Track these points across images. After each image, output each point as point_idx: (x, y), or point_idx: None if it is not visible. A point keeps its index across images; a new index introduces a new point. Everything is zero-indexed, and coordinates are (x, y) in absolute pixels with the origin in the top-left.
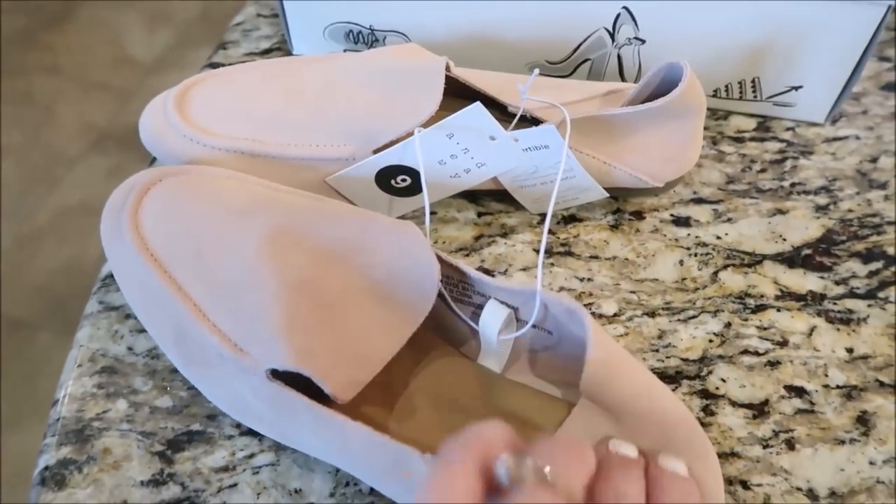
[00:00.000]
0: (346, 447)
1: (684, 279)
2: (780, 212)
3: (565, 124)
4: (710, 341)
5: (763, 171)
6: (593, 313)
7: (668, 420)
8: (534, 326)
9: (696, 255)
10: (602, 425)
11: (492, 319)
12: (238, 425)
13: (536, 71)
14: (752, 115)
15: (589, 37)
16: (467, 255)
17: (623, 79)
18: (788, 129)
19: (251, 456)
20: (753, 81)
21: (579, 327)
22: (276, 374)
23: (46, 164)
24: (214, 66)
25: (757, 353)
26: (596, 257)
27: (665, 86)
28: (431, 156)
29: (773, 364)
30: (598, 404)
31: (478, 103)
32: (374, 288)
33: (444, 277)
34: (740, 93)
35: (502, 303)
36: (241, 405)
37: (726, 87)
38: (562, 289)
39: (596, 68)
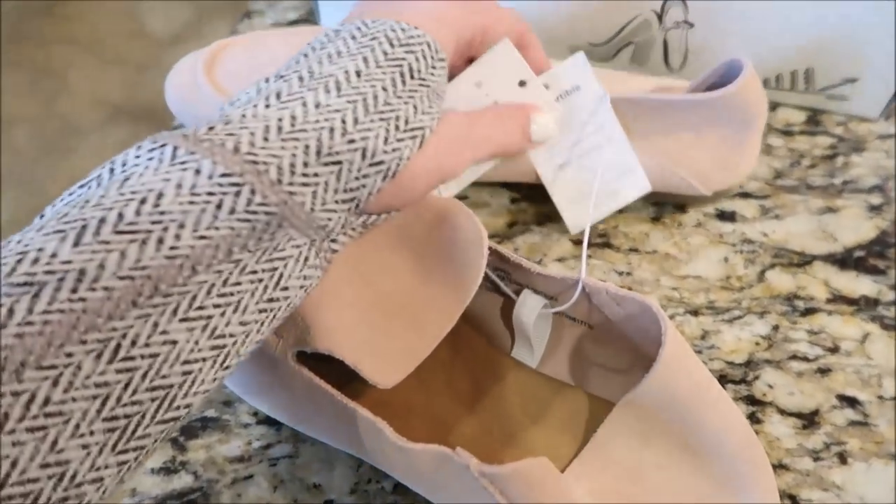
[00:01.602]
0: (370, 444)
1: (729, 277)
2: (831, 210)
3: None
4: (757, 344)
5: (813, 166)
6: None
7: (727, 438)
8: (573, 320)
9: (741, 252)
10: (643, 430)
11: (527, 310)
12: (255, 413)
13: (581, 53)
14: (801, 108)
15: (634, 18)
16: (500, 244)
17: (668, 65)
18: (840, 123)
19: (268, 446)
20: (806, 72)
21: (634, 323)
22: (304, 358)
23: (60, 134)
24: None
25: (806, 359)
26: (636, 250)
27: (722, 86)
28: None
29: (824, 371)
30: (646, 407)
31: (506, 39)
32: (418, 264)
33: None
34: (791, 83)
35: (538, 293)
36: (260, 391)
37: (777, 77)
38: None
39: (639, 53)
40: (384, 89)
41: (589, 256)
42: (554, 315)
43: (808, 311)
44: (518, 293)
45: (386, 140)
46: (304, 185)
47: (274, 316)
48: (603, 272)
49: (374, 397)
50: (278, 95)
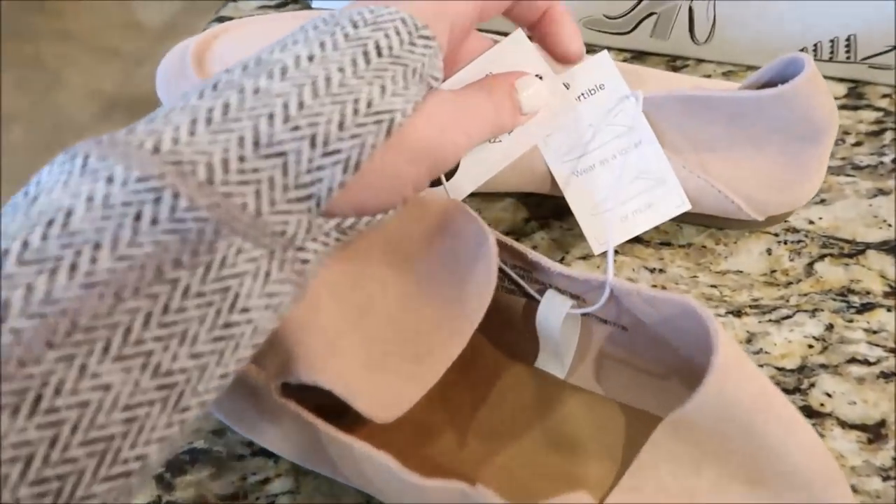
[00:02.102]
0: (378, 481)
1: (774, 271)
2: (882, 192)
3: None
4: (810, 347)
5: (858, 144)
6: None
7: (799, 461)
8: (604, 321)
9: (785, 242)
10: (695, 453)
11: (553, 311)
12: (250, 443)
13: (605, 53)
14: (841, 80)
15: None
16: (517, 241)
17: (693, 38)
18: (885, 95)
19: (266, 481)
20: (848, 40)
21: (673, 326)
22: (291, 389)
23: (56, 129)
24: (222, 20)
25: (867, 363)
26: (668, 244)
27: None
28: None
29: (888, 376)
30: (698, 426)
31: (519, 30)
32: (418, 278)
33: None
34: (831, 53)
35: (563, 293)
36: (248, 422)
37: (815, 45)
38: (629, 281)
39: (661, 24)
40: (341, 70)
41: (616, 253)
42: (582, 317)
43: (865, 307)
44: (541, 294)
45: (341, 125)
46: (243, 183)
47: (237, 344)
48: (632, 270)
49: (378, 425)
50: (215, 86)
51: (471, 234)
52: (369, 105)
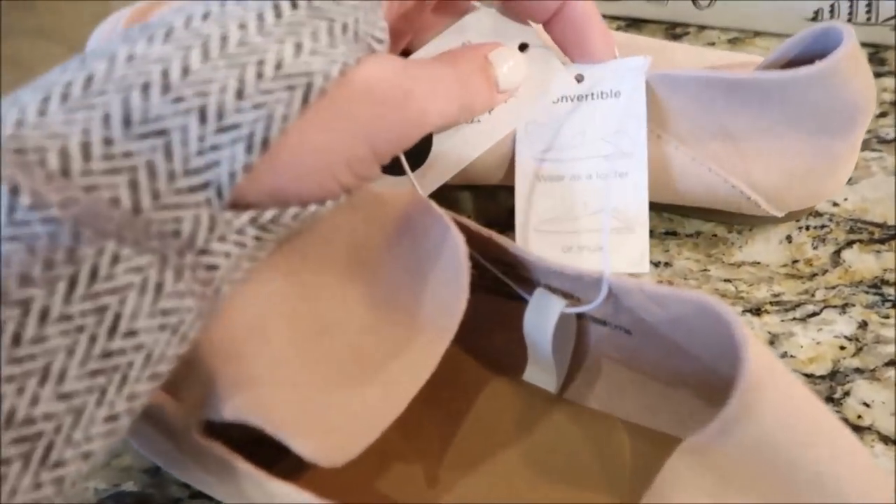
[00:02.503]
0: None
1: (796, 262)
2: None
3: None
4: (842, 348)
5: (883, 115)
6: None
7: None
8: (603, 324)
9: (807, 228)
10: (719, 484)
11: (543, 313)
12: (187, 485)
13: (647, 60)
14: (861, 45)
15: None
16: (501, 234)
17: (696, 4)
18: None
19: None
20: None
21: (685, 328)
22: (215, 428)
23: None
24: None
25: None
26: (674, 233)
27: (808, 61)
28: None
29: None
30: (723, 451)
31: None
32: (377, 289)
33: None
34: (850, 14)
35: (554, 291)
36: (172, 464)
37: (832, 7)
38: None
39: None
40: (242, 27)
41: None
42: (578, 320)
43: None
44: (529, 294)
45: (240, 93)
46: (111, 171)
47: (124, 377)
48: None
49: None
50: (84, 59)
51: (436, 235)
52: (278, 67)
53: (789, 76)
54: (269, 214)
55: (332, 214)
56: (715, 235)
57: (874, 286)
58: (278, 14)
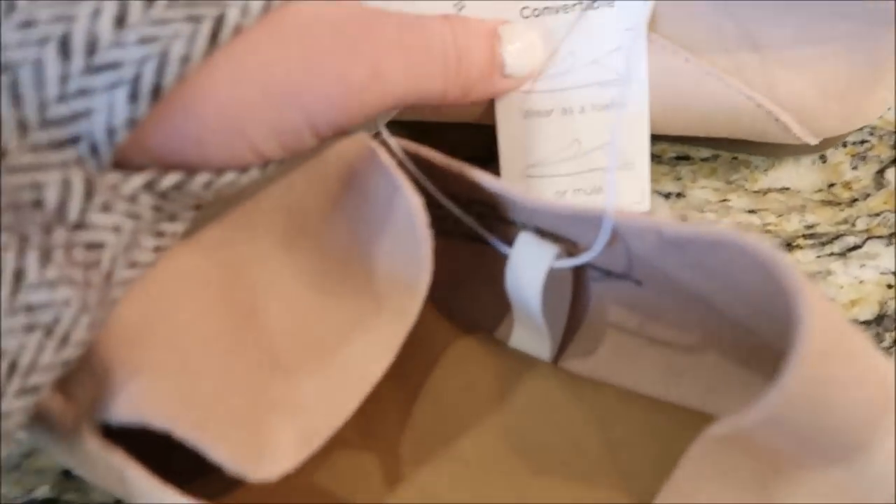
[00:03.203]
0: None
1: (832, 185)
2: None
3: None
4: (889, 287)
5: None
6: None
7: None
8: (607, 274)
9: (844, 145)
10: (757, 478)
11: (528, 265)
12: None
13: None
14: None
15: None
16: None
17: None
18: None
19: None
20: None
21: (712, 275)
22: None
23: None
24: None
25: None
26: (686, 157)
27: None
28: None
29: None
30: (765, 439)
31: None
32: (320, 262)
33: (436, 207)
34: None
35: (543, 234)
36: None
37: None
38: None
39: None
40: None
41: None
42: (574, 271)
43: None
44: (510, 241)
45: (120, 20)
46: None
47: None
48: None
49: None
50: None
51: (387, 193)
52: None
53: None
54: (170, 180)
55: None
56: (735, 158)
57: None
58: None
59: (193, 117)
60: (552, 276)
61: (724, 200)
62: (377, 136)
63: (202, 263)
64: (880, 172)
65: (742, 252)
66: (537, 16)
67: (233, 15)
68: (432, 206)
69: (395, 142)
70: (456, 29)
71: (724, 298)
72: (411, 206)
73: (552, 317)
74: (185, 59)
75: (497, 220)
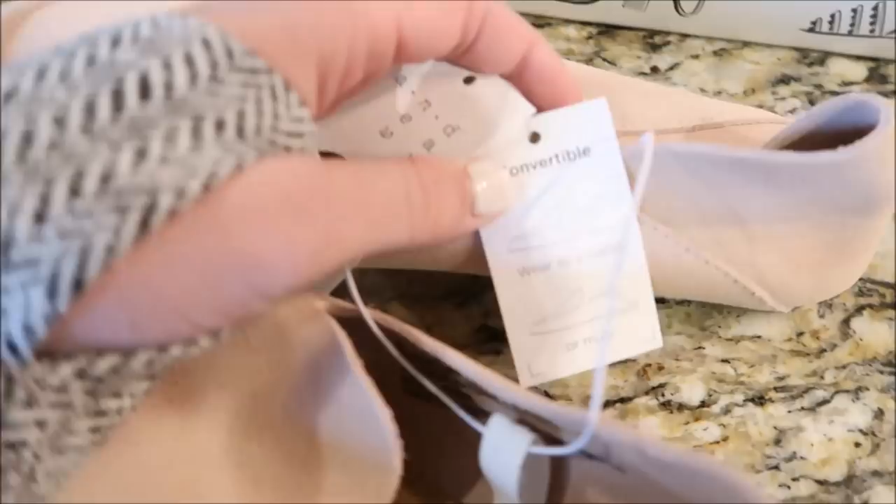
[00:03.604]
0: None
1: (801, 334)
2: None
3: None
4: (857, 445)
5: None
6: (667, 403)
7: None
8: (591, 457)
9: None
10: None
11: (503, 451)
12: None
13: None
14: (860, 58)
15: None
16: (461, 306)
17: (678, 7)
18: None
19: None
20: (875, 9)
21: (696, 489)
22: None
23: None
24: None
25: None
26: (662, 300)
27: (832, 134)
28: (368, 125)
29: None
30: None
31: None
32: (279, 474)
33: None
34: (851, 25)
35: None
36: None
37: (832, 17)
38: (616, 362)
39: None
40: (58, 122)
41: None
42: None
43: None
44: (486, 411)
45: (40, 216)
46: None
47: None
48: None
49: None
50: None
51: (355, 398)
52: (105, 180)
53: (809, 160)
54: (105, 363)
55: (226, 354)
56: (706, 302)
57: (888, 363)
58: (118, 107)
59: (125, 304)
60: (529, 460)
61: (699, 349)
62: (345, 298)
63: (160, 453)
64: (846, 322)
65: (717, 480)
66: (514, 174)
67: (165, 202)
68: (402, 366)
69: (370, 316)
70: (422, 171)
71: (707, 498)
72: (381, 420)
73: (530, 495)
74: (111, 251)
75: (475, 390)
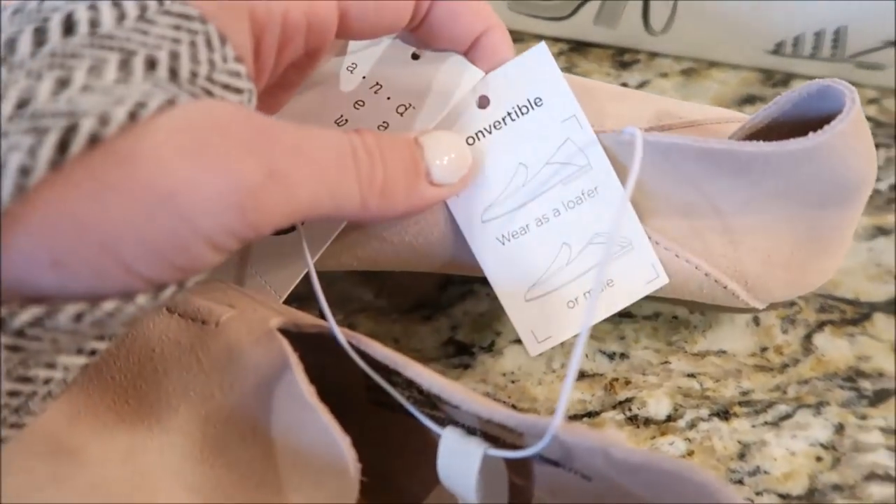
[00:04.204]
0: None
1: (765, 350)
2: (882, 231)
3: (633, 147)
4: (819, 459)
5: None
6: (634, 417)
7: None
8: (553, 464)
9: (775, 305)
10: None
11: (459, 462)
12: None
13: (542, 45)
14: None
15: None
16: (429, 319)
17: (647, 27)
18: (871, 100)
19: None
20: (836, 33)
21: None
22: None
23: None
24: None
25: (890, 478)
26: (629, 315)
27: (799, 124)
28: (322, 115)
29: None
30: None
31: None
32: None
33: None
34: (814, 48)
35: (474, 429)
36: None
37: (795, 39)
38: (584, 376)
39: (609, 10)
40: None
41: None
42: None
43: (879, 396)
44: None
45: None
46: None
47: None
48: (585, 356)
49: None
50: None
51: (310, 425)
52: (21, 105)
53: (776, 149)
54: (27, 315)
55: (178, 374)
56: (675, 318)
57: (849, 378)
58: (39, 41)
59: (46, 237)
60: (487, 467)
61: (665, 363)
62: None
63: (109, 474)
64: (808, 337)
65: (691, 484)
66: (472, 143)
67: (87, 126)
68: (365, 376)
69: (337, 328)
70: (364, 135)
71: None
72: (340, 449)
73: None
74: (25, 173)
75: (439, 400)
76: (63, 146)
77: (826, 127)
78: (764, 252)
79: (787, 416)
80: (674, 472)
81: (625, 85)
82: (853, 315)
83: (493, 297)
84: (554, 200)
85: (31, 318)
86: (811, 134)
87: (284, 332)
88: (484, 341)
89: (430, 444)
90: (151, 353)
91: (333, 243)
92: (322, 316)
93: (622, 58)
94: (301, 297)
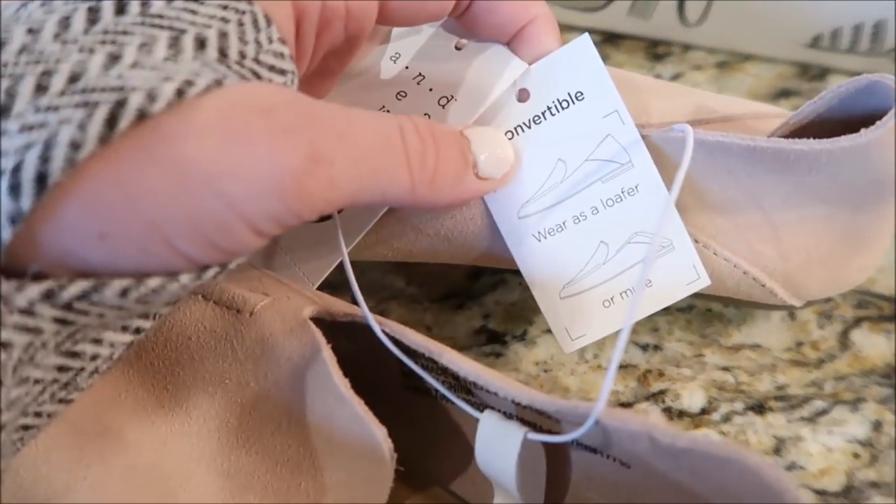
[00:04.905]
0: None
1: (801, 344)
2: None
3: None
4: (856, 456)
5: None
6: (668, 409)
7: None
8: (592, 451)
9: (811, 302)
10: None
11: (496, 445)
12: None
13: (586, 36)
14: (858, 75)
15: None
16: (460, 308)
17: (682, 19)
18: None
19: None
20: (875, 26)
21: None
22: None
23: None
24: None
25: None
26: (664, 309)
27: (842, 120)
28: (365, 106)
29: None
30: None
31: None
32: (270, 485)
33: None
34: (851, 42)
35: (510, 415)
36: None
37: (833, 33)
38: (622, 367)
39: (642, 2)
40: (32, 31)
41: None
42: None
43: None
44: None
45: (5, 110)
46: None
47: None
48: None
49: None
50: None
51: (341, 414)
52: (73, 80)
53: (828, 147)
54: (75, 289)
55: (214, 362)
56: (709, 310)
57: (886, 375)
58: (93, 19)
59: (94, 209)
60: (526, 452)
61: (699, 356)
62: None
63: (147, 457)
64: (845, 333)
65: (741, 468)
66: (511, 138)
67: (135, 101)
68: (399, 362)
69: (371, 317)
70: (416, 120)
71: (715, 499)
72: (376, 438)
73: (528, 494)
74: (76, 147)
75: (475, 386)
76: (112, 121)
77: (878, 123)
78: (804, 249)
79: (824, 412)
80: (722, 457)
81: (657, 78)
82: (891, 311)
83: (525, 287)
84: (592, 198)
85: (80, 291)
86: (863, 130)
87: (317, 320)
88: (516, 330)
89: (460, 434)
90: (188, 340)
91: (368, 233)
92: (355, 302)
93: (655, 50)
94: (333, 285)
